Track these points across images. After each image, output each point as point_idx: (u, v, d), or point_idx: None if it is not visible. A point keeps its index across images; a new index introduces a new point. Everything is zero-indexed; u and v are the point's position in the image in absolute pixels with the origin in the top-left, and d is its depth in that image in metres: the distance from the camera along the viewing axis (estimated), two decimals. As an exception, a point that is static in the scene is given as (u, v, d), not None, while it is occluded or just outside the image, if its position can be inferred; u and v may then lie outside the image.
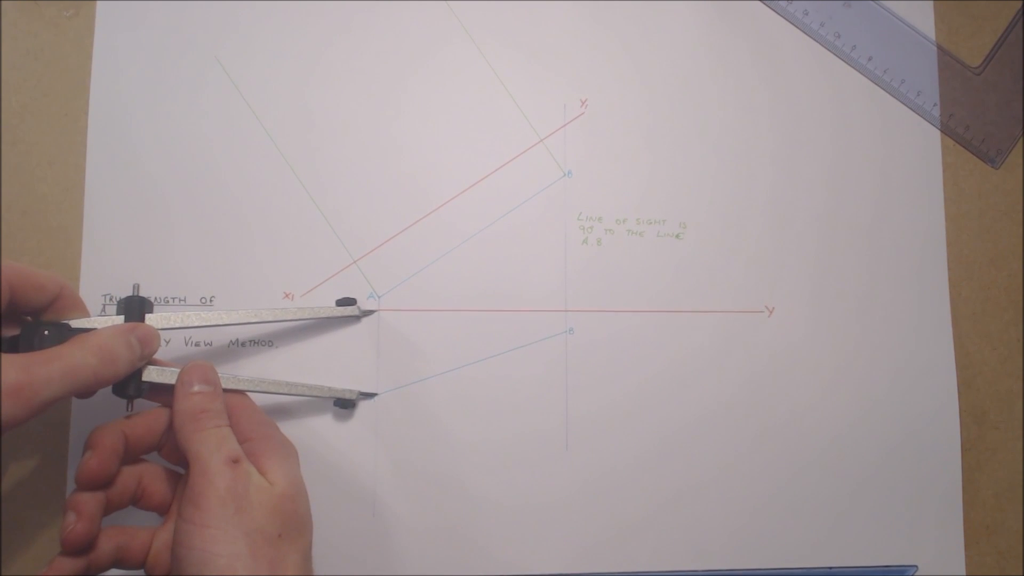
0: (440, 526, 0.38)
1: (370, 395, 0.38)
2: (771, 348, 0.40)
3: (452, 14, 0.40)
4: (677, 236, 0.40)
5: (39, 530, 0.36)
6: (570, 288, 0.39)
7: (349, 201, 0.39)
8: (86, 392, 0.30)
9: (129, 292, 0.34)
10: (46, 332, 0.30)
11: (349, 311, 0.38)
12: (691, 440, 0.39)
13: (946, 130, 0.43)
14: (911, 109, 0.43)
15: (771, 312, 0.41)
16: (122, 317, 0.33)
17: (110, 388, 0.31)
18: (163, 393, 0.33)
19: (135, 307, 0.33)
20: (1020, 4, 0.44)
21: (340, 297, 0.38)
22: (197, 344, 0.37)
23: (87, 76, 0.38)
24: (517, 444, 0.38)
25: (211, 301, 0.38)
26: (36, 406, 0.28)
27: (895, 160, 0.42)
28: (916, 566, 0.40)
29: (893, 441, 0.40)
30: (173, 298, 0.37)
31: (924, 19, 0.43)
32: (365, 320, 0.38)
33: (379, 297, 0.39)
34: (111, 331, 0.31)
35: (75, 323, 0.31)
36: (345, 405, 0.37)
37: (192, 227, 0.38)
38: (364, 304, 0.38)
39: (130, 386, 0.32)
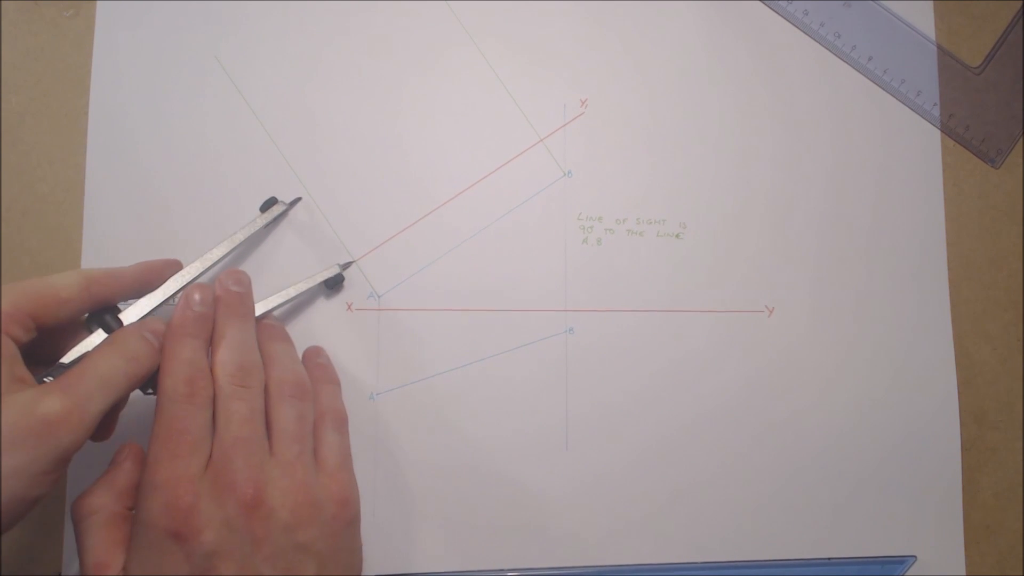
0: (440, 525, 0.38)
1: (347, 264, 0.38)
2: (771, 348, 0.40)
3: (452, 14, 0.40)
4: (677, 236, 0.40)
5: (39, 530, 0.36)
6: (570, 288, 0.40)
7: (349, 201, 0.39)
8: (123, 396, 0.30)
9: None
10: (47, 380, 0.30)
11: (275, 211, 0.37)
12: (691, 440, 0.39)
13: (946, 130, 0.43)
14: (911, 109, 0.43)
15: (771, 312, 0.41)
16: (100, 331, 0.32)
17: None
18: None
19: (108, 314, 0.33)
20: (1020, 4, 0.44)
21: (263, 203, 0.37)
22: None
23: (87, 76, 0.38)
24: (517, 444, 0.38)
25: (211, 301, 0.37)
26: (88, 426, 0.28)
27: (895, 160, 0.42)
28: (915, 556, 0.40)
29: (893, 441, 0.40)
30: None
31: (924, 19, 0.43)
32: (365, 320, 0.38)
33: (379, 297, 0.39)
34: (124, 331, 0.31)
35: (66, 358, 0.31)
36: (333, 284, 0.38)
37: (192, 227, 0.38)
38: (364, 302, 0.38)
39: (154, 379, 0.31)
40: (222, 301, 0.33)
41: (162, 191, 0.38)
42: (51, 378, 0.29)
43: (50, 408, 0.27)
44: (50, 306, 0.30)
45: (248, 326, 0.33)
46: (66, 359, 0.31)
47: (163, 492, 0.28)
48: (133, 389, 0.31)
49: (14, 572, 0.36)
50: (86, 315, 0.32)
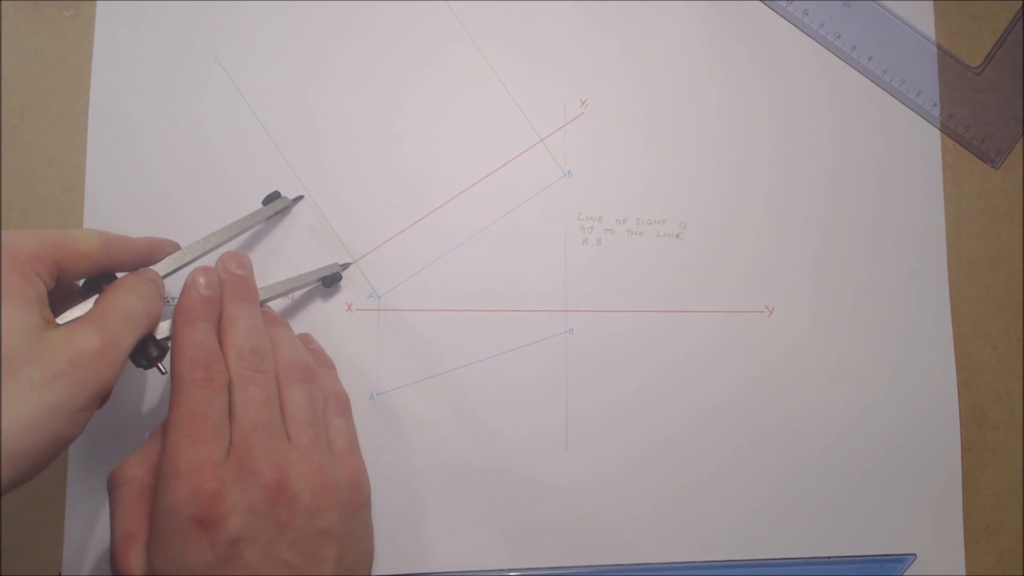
0: (441, 525, 0.38)
1: (346, 264, 0.38)
2: (771, 348, 0.40)
3: (453, 14, 0.40)
4: (677, 236, 0.40)
5: (39, 530, 0.36)
6: (570, 288, 0.40)
7: (349, 201, 0.39)
8: (141, 336, 0.30)
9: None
10: None
11: (278, 205, 0.37)
12: (691, 440, 0.39)
13: (946, 130, 0.43)
14: (911, 109, 0.43)
15: (771, 312, 0.41)
16: (94, 297, 0.31)
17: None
18: None
19: (105, 283, 0.31)
20: (1020, 4, 0.44)
21: (265, 197, 0.37)
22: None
23: (87, 76, 0.38)
24: (517, 444, 0.38)
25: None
26: (121, 362, 0.28)
27: (895, 160, 0.42)
28: (914, 555, 0.40)
29: (893, 441, 0.40)
30: (172, 298, 0.37)
31: (924, 19, 0.43)
32: (365, 320, 0.38)
33: (379, 297, 0.39)
34: (130, 276, 0.31)
35: (60, 319, 0.29)
36: (330, 282, 0.38)
37: (192, 227, 0.38)
38: (364, 302, 0.38)
39: (149, 348, 0.31)
40: (227, 284, 0.32)
41: (162, 191, 0.38)
42: None
43: (87, 342, 0.27)
44: (71, 258, 0.29)
45: (256, 310, 0.32)
46: (61, 319, 0.29)
47: (187, 478, 0.28)
48: (148, 332, 0.30)
49: (14, 572, 0.36)
50: (81, 281, 0.32)
